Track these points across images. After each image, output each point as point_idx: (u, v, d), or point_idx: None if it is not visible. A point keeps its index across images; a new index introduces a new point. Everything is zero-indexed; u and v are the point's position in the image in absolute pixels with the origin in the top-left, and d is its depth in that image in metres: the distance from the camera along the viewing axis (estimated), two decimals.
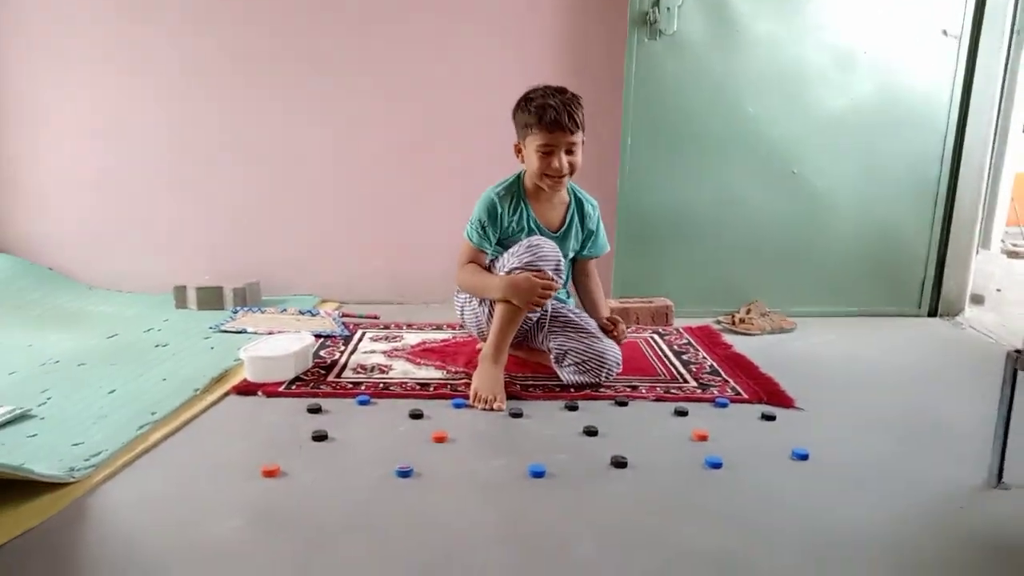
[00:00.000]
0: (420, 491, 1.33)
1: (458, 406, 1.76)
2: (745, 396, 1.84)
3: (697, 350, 2.26)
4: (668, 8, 2.46)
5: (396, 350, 2.21)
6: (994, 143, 2.87)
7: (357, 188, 2.88)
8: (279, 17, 2.75)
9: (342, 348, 2.21)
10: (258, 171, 2.87)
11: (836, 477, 1.42)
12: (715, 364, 2.11)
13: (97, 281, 2.94)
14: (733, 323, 2.54)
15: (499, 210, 1.91)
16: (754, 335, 2.47)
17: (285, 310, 2.60)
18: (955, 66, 2.60)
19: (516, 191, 1.96)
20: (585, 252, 2.06)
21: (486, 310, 1.94)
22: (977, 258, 2.96)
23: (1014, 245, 4.63)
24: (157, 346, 2.18)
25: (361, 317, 2.61)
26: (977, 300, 2.98)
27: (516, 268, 1.81)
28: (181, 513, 1.24)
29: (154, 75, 2.79)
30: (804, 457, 1.48)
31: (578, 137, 1.85)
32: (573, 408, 1.76)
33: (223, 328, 2.37)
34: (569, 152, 1.85)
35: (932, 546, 1.18)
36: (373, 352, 2.18)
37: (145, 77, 2.80)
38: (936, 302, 2.79)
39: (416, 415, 1.68)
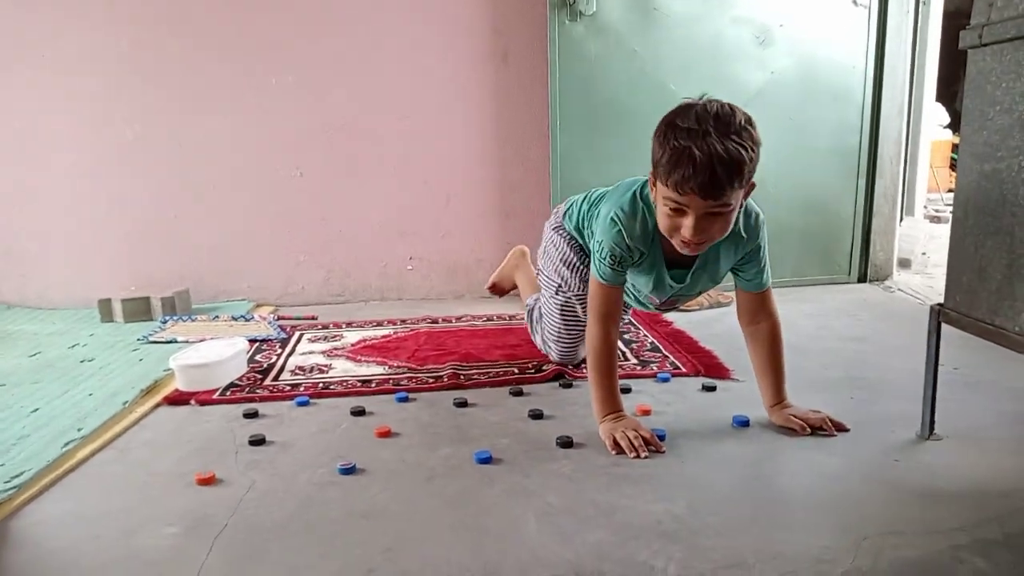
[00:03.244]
0: (364, 487, 1.30)
1: (401, 400, 1.73)
2: (684, 370, 1.86)
3: (638, 329, 2.27)
4: None
5: (336, 349, 2.16)
6: (909, 112, 2.97)
7: (285, 185, 2.79)
8: (191, 9, 2.64)
9: (279, 351, 2.15)
10: (178, 173, 2.75)
11: (776, 440, 1.45)
12: (656, 341, 2.13)
13: (16, 300, 2.80)
14: None
15: (628, 244, 1.46)
16: (693, 311, 2.50)
17: (217, 317, 2.52)
18: (867, 36, 2.68)
19: (645, 220, 1.45)
20: (744, 282, 1.55)
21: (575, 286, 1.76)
22: (903, 224, 3.06)
23: (936, 211, 4.82)
24: (83, 361, 2.08)
25: (298, 319, 2.55)
26: (904, 264, 3.09)
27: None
28: (115, 526, 1.19)
29: (63, 77, 2.66)
30: (745, 423, 1.51)
31: (730, 198, 1.28)
32: (518, 393, 1.75)
33: (152, 339, 2.28)
34: (712, 215, 1.30)
35: (871, 499, 1.21)
36: (312, 353, 2.13)
37: (54, 80, 2.66)
38: (865, 268, 2.88)
39: (358, 412, 1.65)
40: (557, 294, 1.83)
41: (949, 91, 5.51)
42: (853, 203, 2.81)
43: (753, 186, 1.35)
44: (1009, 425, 1.50)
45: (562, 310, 1.83)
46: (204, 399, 1.75)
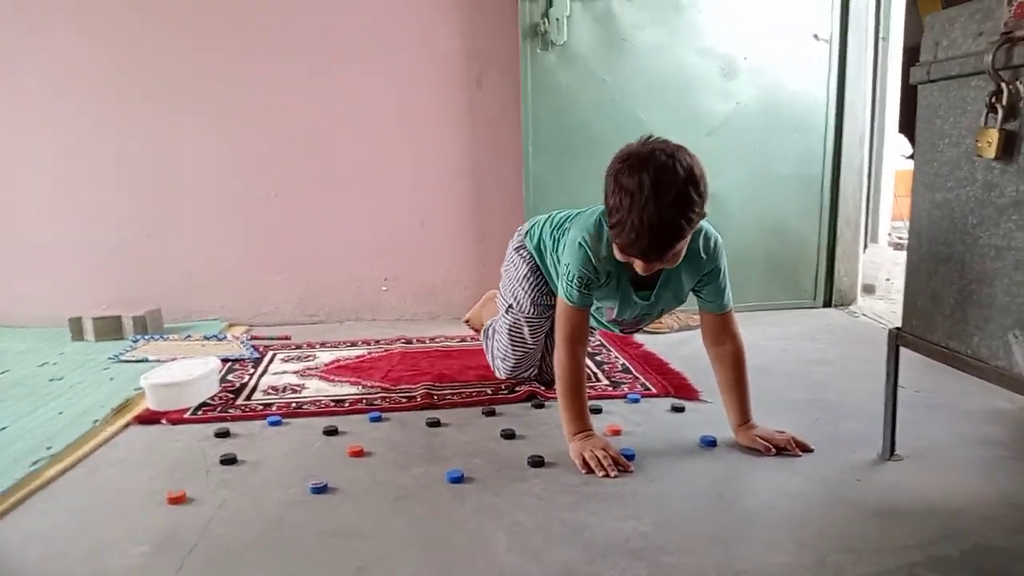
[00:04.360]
0: (336, 506, 1.31)
1: (374, 420, 1.74)
2: (654, 391, 1.90)
3: (610, 351, 2.31)
4: (557, 19, 2.53)
5: (309, 369, 2.17)
6: (871, 143, 3.07)
7: (261, 205, 2.81)
8: (172, 30, 2.66)
9: (251, 371, 2.15)
10: (154, 191, 2.76)
11: (741, 460, 1.48)
12: (627, 363, 2.16)
13: None
14: None
15: (595, 267, 1.50)
16: (663, 333, 2.54)
17: (189, 336, 2.51)
18: (828, 69, 2.77)
19: (610, 243, 1.43)
20: (706, 303, 1.58)
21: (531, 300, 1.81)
22: (867, 251, 3.14)
23: (900, 238, 4.94)
24: (52, 380, 2.07)
25: (271, 339, 2.55)
26: (869, 290, 3.16)
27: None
28: (83, 544, 1.19)
29: (32, 87, 2.66)
30: (712, 444, 1.54)
31: (677, 248, 1.34)
32: (491, 413, 1.77)
33: (123, 358, 2.27)
34: (660, 261, 1.37)
35: (832, 518, 1.25)
36: (284, 373, 2.14)
37: (32, 97, 2.66)
38: (830, 293, 2.94)
39: (331, 432, 1.66)
40: (507, 313, 1.86)
41: (912, 123, 5.66)
42: (817, 230, 2.89)
43: (703, 216, 1.37)
44: (966, 446, 1.55)
45: (510, 329, 1.86)
46: (175, 418, 1.75)
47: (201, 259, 2.81)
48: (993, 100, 1.15)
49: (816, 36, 2.74)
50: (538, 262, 1.83)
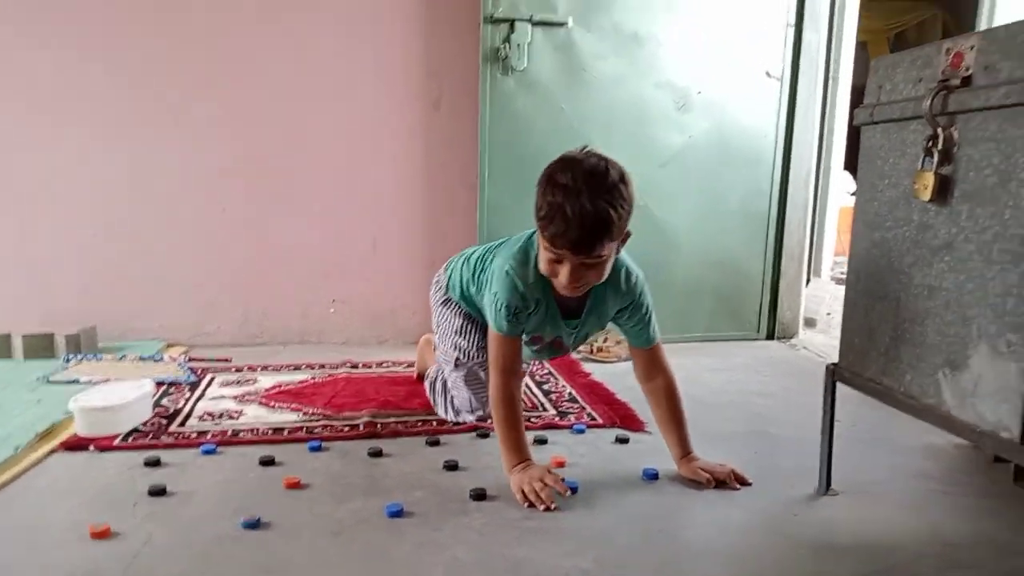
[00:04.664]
0: (268, 541, 1.27)
1: (314, 449, 1.69)
2: (600, 421, 1.89)
3: (557, 379, 2.30)
4: (518, 45, 2.55)
5: (248, 394, 2.11)
6: (817, 179, 3.15)
7: (205, 221, 2.73)
8: (110, 36, 2.57)
9: (188, 395, 2.08)
10: (90, 203, 2.65)
11: (682, 493, 1.48)
12: (574, 392, 2.16)
13: None
14: (592, 352, 2.61)
15: (523, 293, 1.49)
16: (611, 362, 2.55)
17: (124, 356, 2.42)
18: (778, 106, 2.84)
19: (536, 268, 1.46)
20: (632, 338, 1.60)
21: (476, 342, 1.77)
22: (809, 285, 3.21)
23: (842, 273, 5.07)
24: None
25: (211, 361, 2.48)
26: (810, 323, 3.23)
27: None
28: None
29: None
30: (654, 476, 1.54)
31: (602, 251, 1.34)
32: (435, 443, 1.74)
33: (52, 379, 2.17)
34: (587, 265, 1.37)
35: (769, 552, 1.25)
36: (222, 398, 2.07)
37: None
38: (773, 326, 3.00)
39: (267, 462, 1.60)
40: (457, 367, 1.81)
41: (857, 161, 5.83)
42: (762, 264, 2.94)
43: (628, 235, 1.41)
44: (901, 480, 1.58)
45: (467, 379, 1.81)
46: (104, 445, 1.67)
47: (141, 276, 2.72)
48: (930, 144, 1.19)
49: (768, 73, 2.81)
50: (469, 310, 1.81)
